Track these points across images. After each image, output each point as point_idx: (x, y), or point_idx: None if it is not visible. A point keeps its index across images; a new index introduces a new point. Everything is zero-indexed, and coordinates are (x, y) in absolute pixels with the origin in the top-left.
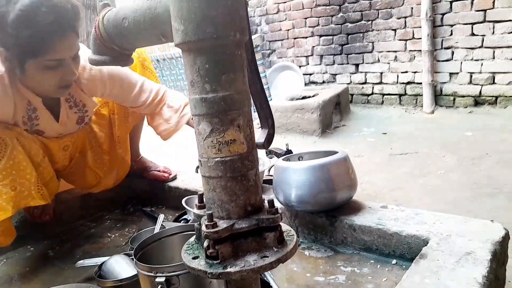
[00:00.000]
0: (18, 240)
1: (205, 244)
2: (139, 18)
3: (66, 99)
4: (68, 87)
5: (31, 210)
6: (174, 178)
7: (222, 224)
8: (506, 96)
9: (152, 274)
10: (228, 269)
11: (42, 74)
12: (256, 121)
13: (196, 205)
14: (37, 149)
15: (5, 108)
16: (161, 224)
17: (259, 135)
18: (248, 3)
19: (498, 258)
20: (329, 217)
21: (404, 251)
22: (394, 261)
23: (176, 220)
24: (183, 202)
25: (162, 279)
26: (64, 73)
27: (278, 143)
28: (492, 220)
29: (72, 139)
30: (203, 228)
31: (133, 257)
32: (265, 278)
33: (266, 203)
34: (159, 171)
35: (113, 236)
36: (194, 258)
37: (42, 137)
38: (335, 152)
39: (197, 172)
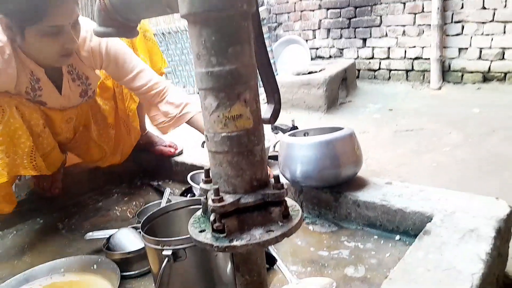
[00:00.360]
0: (27, 213)
1: (212, 218)
2: None
3: (68, 71)
4: (69, 55)
5: (40, 183)
6: (180, 153)
7: (229, 199)
8: None
9: (159, 247)
10: (234, 243)
11: (42, 41)
12: (262, 96)
13: (202, 179)
14: (38, 118)
15: (8, 78)
16: (168, 198)
17: (265, 110)
18: None
19: (502, 235)
20: (333, 192)
21: (408, 227)
22: (397, 237)
23: (183, 194)
24: (188, 178)
25: (169, 252)
26: (64, 40)
27: (283, 119)
28: (497, 198)
29: (75, 111)
30: (210, 202)
31: (140, 230)
32: (270, 252)
33: (271, 179)
34: (165, 146)
35: (121, 209)
36: (200, 231)
37: (44, 107)
38: (340, 128)
39: (203, 147)
